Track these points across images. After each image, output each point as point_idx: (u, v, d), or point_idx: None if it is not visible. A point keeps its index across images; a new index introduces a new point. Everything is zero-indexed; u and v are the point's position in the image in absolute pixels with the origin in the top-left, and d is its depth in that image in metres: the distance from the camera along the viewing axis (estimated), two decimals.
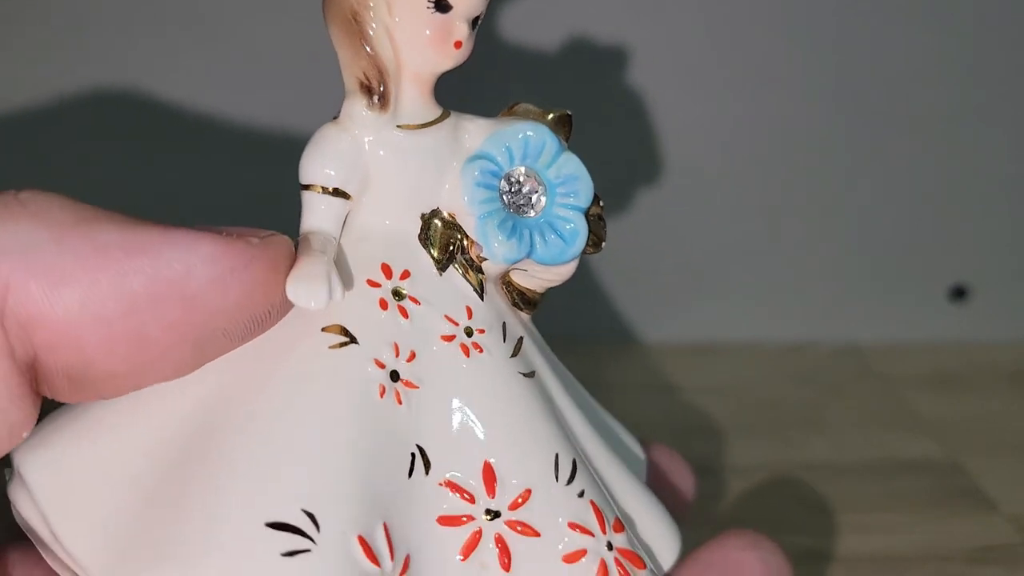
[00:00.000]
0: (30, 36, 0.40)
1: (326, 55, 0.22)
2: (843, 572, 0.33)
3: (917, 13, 0.42)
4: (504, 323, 0.23)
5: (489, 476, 0.21)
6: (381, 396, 0.21)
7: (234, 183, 0.41)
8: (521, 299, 0.24)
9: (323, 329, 0.21)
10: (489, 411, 0.22)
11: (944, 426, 0.41)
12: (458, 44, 0.21)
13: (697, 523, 0.34)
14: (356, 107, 0.21)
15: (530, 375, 0.23)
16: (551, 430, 0.22)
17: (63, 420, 0.21)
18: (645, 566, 0.22)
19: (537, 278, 0.24)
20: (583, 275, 0.43)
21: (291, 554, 0.19)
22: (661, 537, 0.24)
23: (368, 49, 0.21)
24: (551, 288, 0.24)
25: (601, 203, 0.24)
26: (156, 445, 0.20)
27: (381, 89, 0.21)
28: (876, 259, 0.46)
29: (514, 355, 0.22)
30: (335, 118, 0.22)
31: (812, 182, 0.45)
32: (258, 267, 0.20)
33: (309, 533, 0.19)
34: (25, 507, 0.21)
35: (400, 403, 0.21)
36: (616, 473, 0.24)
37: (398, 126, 0.22)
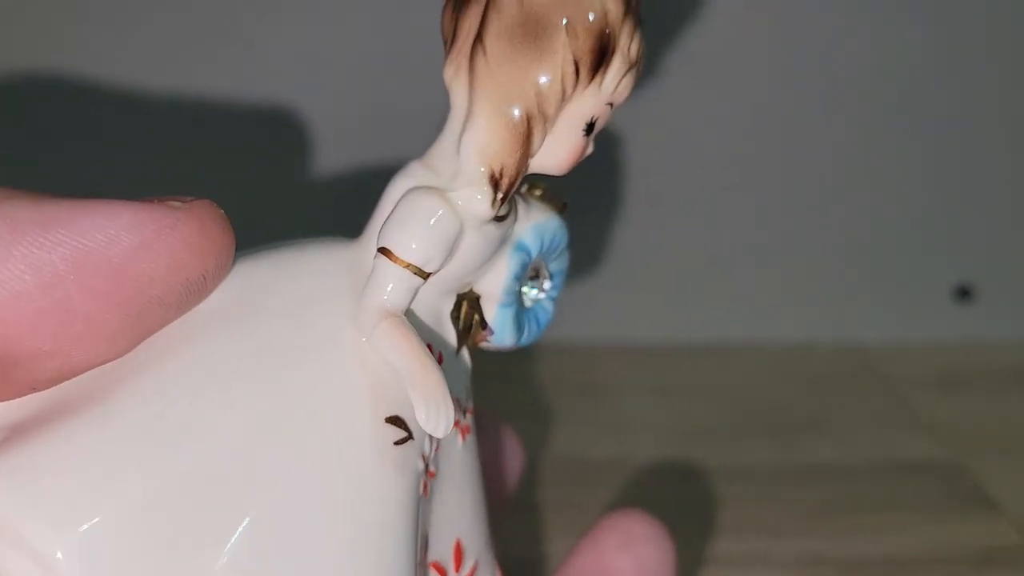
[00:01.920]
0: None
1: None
2: (844, 575, 0.32)
3: (920, 11, 0.42)
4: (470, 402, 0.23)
5: (458, 553, 0.22)
6: (424, 494, 0.20)
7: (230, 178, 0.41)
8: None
9: (386, 420, 0.20)
10: (468, 493, 0.22)
11: (948, 427, 0.41)
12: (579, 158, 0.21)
13: (698, 526, 0.35)
14: (474, 194, 0.20)
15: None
16: (482, 502, 0.23)
17: (63, 465, 0.18)
18: None
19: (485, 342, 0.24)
20: (583, 275, 0.44)
21: None
22: None
23: (524, 154, 0.20)
24: None
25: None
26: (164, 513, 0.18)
27: (510, 189, 0.20)
28: (880, 259, 0.46)
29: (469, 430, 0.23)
30: (428, 190, 0.20)
31: (814, 181, 0.45)
32: (185, 229, 0.19)
33: None
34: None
35: (426, 495, 0.21)
36: None
37: (493, 218, 0.21)
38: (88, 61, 0.41)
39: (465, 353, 0.22)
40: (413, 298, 0.20)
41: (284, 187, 0.43)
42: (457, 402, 0.21)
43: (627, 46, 0.20)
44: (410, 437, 0.20)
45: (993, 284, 0.46)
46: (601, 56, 0.20)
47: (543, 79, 0.20)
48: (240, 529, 0.18)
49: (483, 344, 0.23)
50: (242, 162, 0.41)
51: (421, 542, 0.21)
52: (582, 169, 0.41)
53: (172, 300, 0.19)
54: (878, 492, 0.37)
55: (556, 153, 0.21)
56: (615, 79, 0.20)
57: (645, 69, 0.42)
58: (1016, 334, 0.47)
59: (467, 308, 0.22)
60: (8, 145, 0.42)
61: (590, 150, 0.21)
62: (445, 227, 0.20)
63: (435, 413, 0.19)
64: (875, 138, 0.44)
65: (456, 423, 0.21)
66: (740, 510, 0.35)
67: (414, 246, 0.20)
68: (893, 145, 0.44)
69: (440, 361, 0.21)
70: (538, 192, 0.23)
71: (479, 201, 0.20)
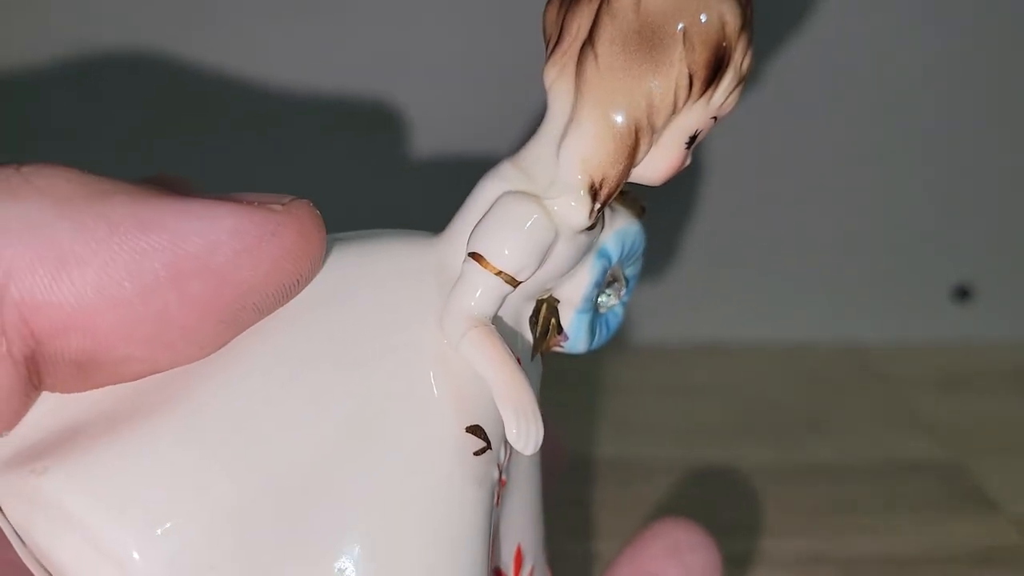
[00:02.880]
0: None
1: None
2: (845, 575, 0.32)
3: (919, 12, 0.42)
4: None
5: (519, 559, 0.22)
6: (497, 504, 0.20)
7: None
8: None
9: (466, 429, 0.19)
10: (529, 498, 0.22)
11: (947, 427, 0.41)
12: (679, 169, 0.21)
13: (698, 525, 0.35)
14: (572, 204, 0.20)
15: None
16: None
17: (90, 427, 0.18)
18: None
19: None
20: None
21: None
22: None
23: (628, 165, 0.20)
24: None
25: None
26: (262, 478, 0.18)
27: (603, 200, 0.20)
28: (879, 259, 0.46)
29: None
30: (525, 196, 0.20)
31: (814, 181, 0.45)
32: (286, 235, 0.18)
33: None
34: (64, 545, 0.17)
35: (498, 505, 0.20)
36: None
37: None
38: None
39: (538, 358, 0.22)
40: (501, 306, 0.20)
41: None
42: None
43: (740, 60, 0.20)
44: (489, 447, 0.19)
45: (992, 284, 0.46)
46: (716, 69, 0.19)
47: (656, 90, 0.19)
48: (328, 542, 0.18)
49: (555, 348, 0.22)
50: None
51: (488, 547, 0.20)
52: None
53: (267, 306, 0.19)
54: (878, 492, 0.37)
55: (656, 165, 0.20)
56: (725, 93, 0.20)
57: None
58: (1015, 334, 0.47)
59: (545, 313, 0.21)
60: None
61: (688, 162, 0.21)
62: (540, 236, 0.19)
63: (526, 428, 0.19)
64: (875, 138, 0.44)
65: None
66: (740, 510, 0.35)
67: (507, 253, 0.19)
68: (893, 145, 0.44)
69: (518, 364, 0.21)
70: (628, 201, 0.23)
71: (575, 210, 0.20)
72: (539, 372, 0.22)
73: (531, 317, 0.21)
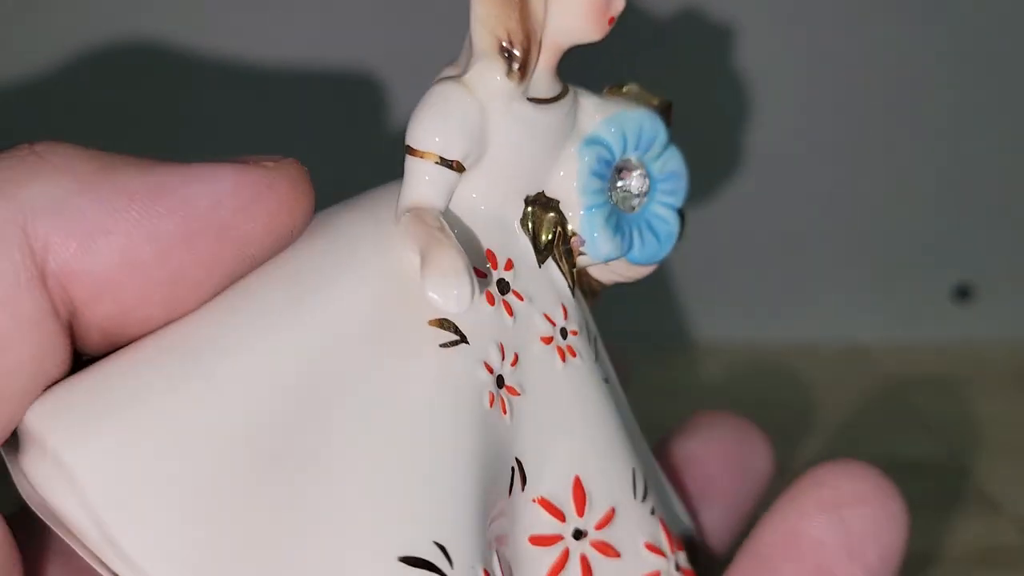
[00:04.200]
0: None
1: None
2: None
3: (919, 11, 0.42)
4: (587, 322, 0.21)
5: (579, 493, 0.20)
6: (491, 405, 0.19)
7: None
8: (590, 292, 0.22)
9: (429, 323, 0.19)
10: (581, 422, 0.20)
11: (948, 427, 0.41)
12: (611, 20, 0.20)
13: None
14: (489, 71, 0.19)
15: (607, 381, 0.21)
16: (627, 443, 0.21)
17: (101, 386, 0.18)
18: None
19: (615, 274, 0.22)
20: None
21: None
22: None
23: (523, 13, 0.19)
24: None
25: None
26: (247, 428, 0.17)
27: (524, 56, 0.19)
28: (879, 258, 0.46)
29: (597, 359, 0.21)
30: (445, 79, 0.19)
31: (813, 181, 0.45)
32: (280, 188, 0.19)
33: (444, 570, 0.17)
34: (63, 499, 0.17)
35: (504, 412, 0.19)
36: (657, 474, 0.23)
37: (529, 98, 0.20)
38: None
39: (552, 267, 0.21)
40: (448, 192, 0.19)
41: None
42: (547, 318, 0.20)
43: None
44: (461, 341, 0.19)
45: (993, 284, 0.46)
46: None
47: None
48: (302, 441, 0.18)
49: (587, 260, 0.21)
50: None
51: (498, 463, 0.19)
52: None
53: (262, 255, 0.19)
54: None
55: (570, 10, 0.19)
56: None
57: (644, 69, 0.42)
58: (1016, 334, 0.47)
59: (539, 213, 0.20)
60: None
61: (620, 5, 0.20)
62: (457, 107, 0.19)
63: (443, 283, 0.18)
64: (875, 138, 0.44)
65: (549, 340, 0.20)
66: None
67: (428, 134, 0.19)
68: (893, 145, 0.44)
69: (509, 267, 0.20)
70: (625, 89, 0.22)
71: (488, 72, 0.19)
72: (563, 287, 0.21)
73: (522, 220, 0.20)
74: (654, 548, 0.21)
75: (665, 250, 0.22)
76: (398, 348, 0.18)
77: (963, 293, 0.46)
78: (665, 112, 0.22)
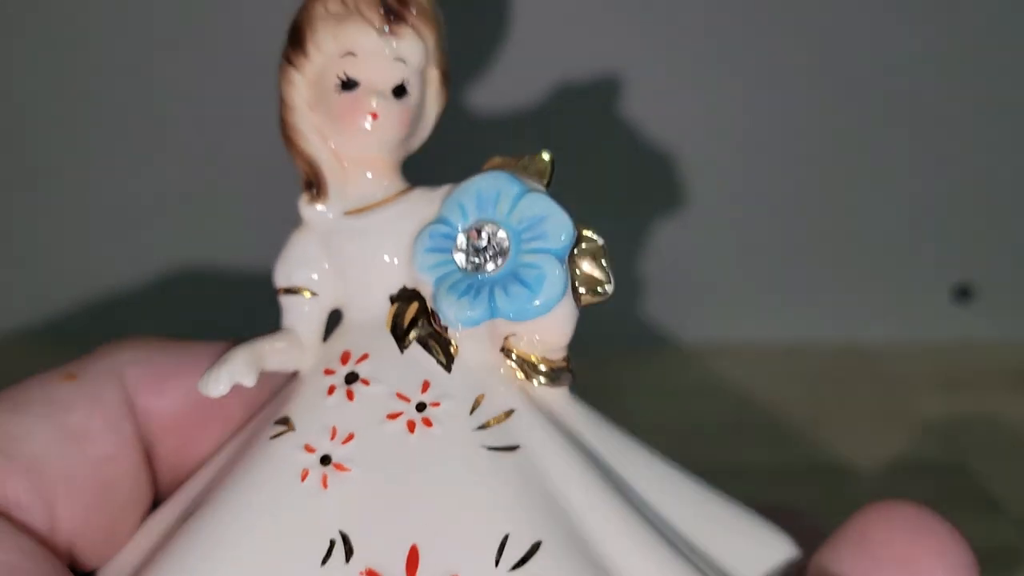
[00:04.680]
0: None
1: None
2: None
3: (919, 11, 0.42)
4: (481, 395, 0.21)
5: (412, 560, 0.20)
6: (302, 480, 0.21)
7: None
8: (531, 368, 0.22)
9: (275, 421, 0.22)
10: (426, 489, 0.20)
11: (948, 427, 0.41)
12: (374, 115, 0.22)
13: None
14: (303, 204, 0.22)
15: (506, 449, 0.21)
16: (511, 507, 0.20)
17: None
18: None
19: (531, 341, 0.22)
20: None
21: None
22: (751, 563, 0.23)
23: (296, 144, 0.22)
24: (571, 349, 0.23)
25: (599, 240, 0.22)
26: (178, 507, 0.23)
27: (315, 182, 0.22)
28: (879, 258, 0.46)
29: (484, 427, 0.21)
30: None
31: (814, 181, 0.45)
32: None
33: None
34: None
35: (325, 487, 0.21)
36: (664, 540, 0.22)
37: (345, 213, 0.22)
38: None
39: (416, 349, 0.22)
40: (300, 312, 0.23)
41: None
42: (399, 396, 0.21)
43: (323, 8, 0.22)
44: (290, 430, 0.21)
45: (993, 284, 0.46)
46: (295, 37, 0.22)
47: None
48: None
49: (451, 328, 0.21)
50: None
51: (306, 535, 0.20)
52: (581, 171, 0.40)
53: (276, 384, 0.25)
54: (878, 492, 0.36)
55: (336, 124, 0.22)
56: (329, 37, 0.22)
57: (644, 69, 0.42)
58: (1016, 334, 0.47)
59: (402, 306, 0.22)
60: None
61: (385, 111, 0.22)
62: (290, 246, 0.23)
63: (205, 374, 0.22)
64: (875, 138, 0.44)
65: (397, 415, 0.21)
66: None
67: (275, 272, 0.23)
68: (893, 145, 0.44)
69: (362, 359, 0.22)
70: (487, 164, 0.23)
71: (303, 203, 0.22)
72: (424, 364, 0.22)
73: (387, 316, 0.22)
74: None
75: (540, 295, 0.21)
76: (251, 440, 0.22)
77: (963, 293, 0.46)
78: (539, 167, 0.22)
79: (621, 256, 0.44)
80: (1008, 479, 0.37)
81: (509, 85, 0.41)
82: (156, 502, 0.24)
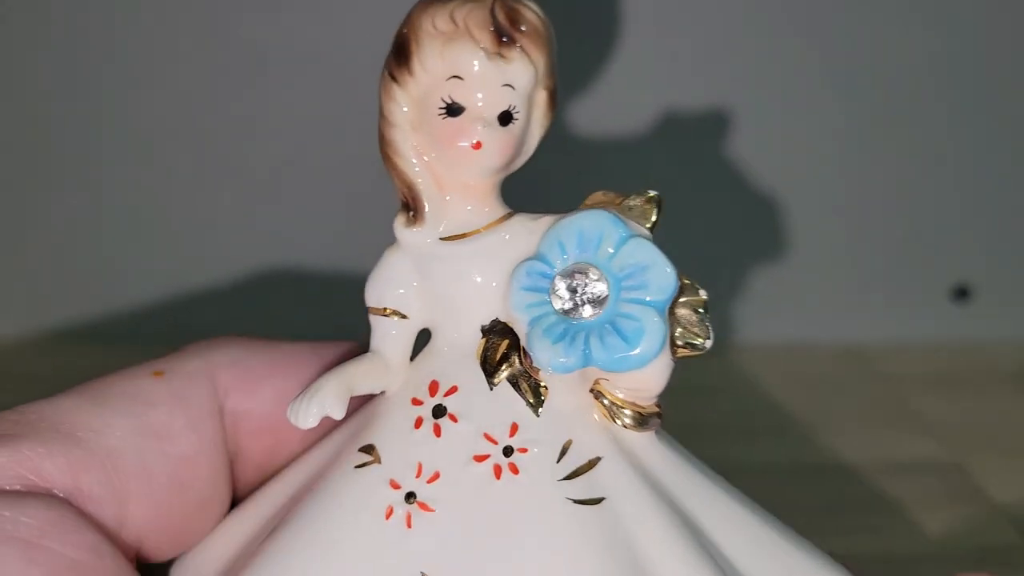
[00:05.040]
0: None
1: None
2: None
3: (919, 12, 0.42)
4: (568, 441, 0.21)
5: None
6: (387, 518, 0.20)
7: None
8: (620, 413, 0.22)
9: (360, 448, 0.21)
10: (508, 541, 0.20)
11: (946, 427, 0.41)
12: (477, 145, 0.21)
13: None
14: (398, 225, 0.22)
15: (591, 502, 0.21)
16: (592, 561, 0.20)
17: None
18: None
19: (626, 390, 0.21)
20: None
21: None
22: None
23: (396, 166, 0.21)
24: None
25: (702, 292, 0.22)
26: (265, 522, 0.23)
27: (413, 205, 0.21)
28: (878, 259, 0.46)
29: (570, 477, 0.21)
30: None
31: (813, 181, 0.45)
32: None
33: None
34: None
35: (409, 526, 0.20)
36: None
37: (441, 238, 0.21)
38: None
39: (505, 386, 0.21)
40: (388, 334, 0.22)
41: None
42: (487, 437, 0.21)
43: (431, 25, 0.21)
44: (375, 462, 0.21)
45: (991, 284, 0.46)
46: (400, 52, 0.21)
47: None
48: None
49: (544, 371, 0.21)
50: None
51: (389, 572, 0.20)
52: (582, 172, 0.41)
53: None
54: (877, 491, 0.37)
55: (438, 148, 0.21)
56: (436, 57, 0.21)
57: (643, 71, 0.42)
58: (1014, 334, 0.47)
59: (495, 340, 0.22)
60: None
61: (488, 139, 0.21)
62: (384, 266, 0.22)
63: (295, 403, 0.21)
64: (873, 139, 0.44)
65: (484, 458, 0.21)
66: None
67: (367, 291, 0.22)
68: (892, 145, 0.44)
69: (450, 392, 0.21)
70: (589, 200, 0.22)
71: (399, 226, 0.22)
72: (516, 405, 0.21)
73: (476, 350, 0.22)
74: None
75: (638, 349, 0.20)
76: (333, 464, 0.22)
77: (962, 293, 0.46)
78: (646, 206, 0.22)
79: None
80: (1005, 477, 0.37)
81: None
82: (237, 500, 0.25)
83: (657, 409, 0.22)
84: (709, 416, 0.41)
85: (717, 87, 0.43)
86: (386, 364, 0.22)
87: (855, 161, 0.44)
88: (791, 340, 0.46)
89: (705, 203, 0.44)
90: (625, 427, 0.22)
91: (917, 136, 0.44)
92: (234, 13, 0.41)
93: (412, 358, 0.23)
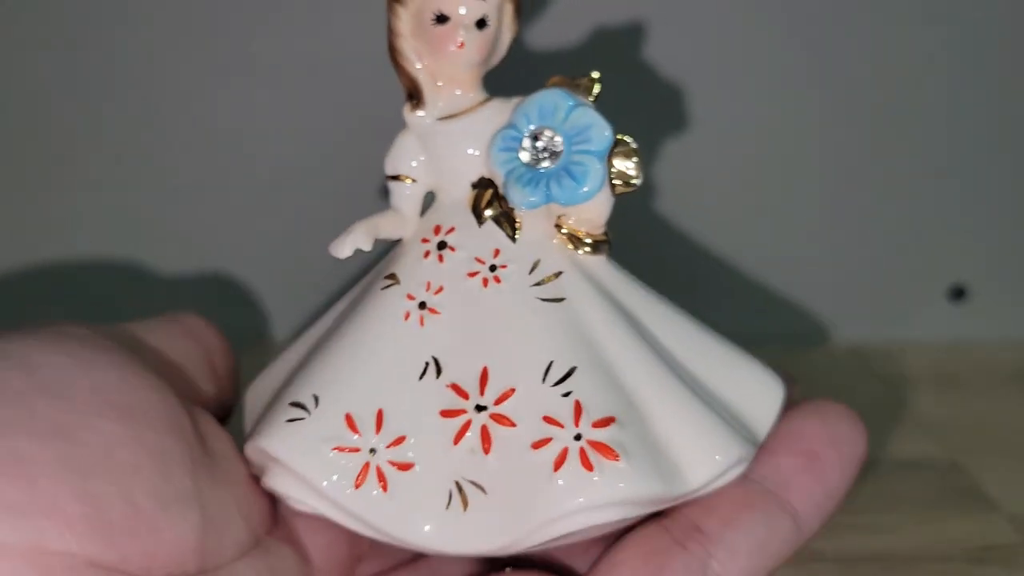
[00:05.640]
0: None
1: None
2: (842, 572, 0.33)
3: (917, 12, 0.43)
4: (538, 260, 0.28)
5: (483, 378, 0.27)
6: (405, 319, 0.27)
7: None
8: (577, 240, 0.28)
9: (384, 276, 0.28)
10: (494, 327, 0.27)
11: (944, 426, 0.41)
12: (461, 45, 0.27)
13: None
14: (406, 111, 0.28)
15: (556, 300, 0.27)
16: (555, 342, 0.27)
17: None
18: (618, 458, 0.25)
19: (578, 219, 0.28)
20: None
21: (291, 420, 0.27)
22: (755, 404, 0.29)
23: (400, 62, 0.28)
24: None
25: (632, 143, 0.28)
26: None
27: (416, 94, 0.28)
28: (875, 258, 0.46)
29: (539, 284, 0.27)
30: None
31: (811, 182, 0.45)
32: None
33: (308, 408, 0.27)
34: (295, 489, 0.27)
35: (422, 325, 0.27)
36: (678, 378, 0.28)
37: (438, 118, 0.28)
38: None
39: (490, 224, 0.28)
40: (412, 198, 0.29)
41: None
42: (477, 259, 0.28)
43: None
44: (395, 283, 0.28)
45: (988, 284, 0.47)
46: None
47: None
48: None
49: (517, 208, 0.27)
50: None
51: (409, 358, 0.27)
52: None
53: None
54: (875, 490, 0.37)
55: (431, 49, 0.27)
56: None
57: (643, 71, 0.42)
58: (1011, 333, 0.47)
59: (480, 191, 0.28)
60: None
61: (470, 41, 0.27)
62: (396, 143, 0.29)
63: (335, 241, 0.28)
64: (871, 139, 0.44)
65: (475, 274, 0.27)
66: None
67: (386, 162, 0.29)
68: (889, 146, 0.44)
69: (450, 231, 0.28)
70: (549, 82, 0.28)
71: (406, 111, 0.28)
72: (496, 235, 0.28)
73: (467, 198, 0.28)
74: (552, 420, 0.26)
75: (585, 186, 0.27)
76: (368, 290, 0.29)
77: (959, 293, 0.47)
78: (589, 85, 0.28)
79: (621, 257, 0.44)
80: (1004, 477, 0.37)
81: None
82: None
83: (606, 237, 0.28)
84: None
85: (716, 86, 0.43)
86: (402, 217, 0.29)
87: (853, 161, 0.45)
88: (788, 340, 0.46)
89: (705, 203, 0.45)
90: (583, 252, 0.28)
91: (915, 136, 0.44)
92: (234, 14, 0.41)
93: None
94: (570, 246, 0.28)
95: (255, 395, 0.30)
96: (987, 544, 0.34)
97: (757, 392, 0.29)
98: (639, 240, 0.45)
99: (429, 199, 0.29)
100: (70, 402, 0.23)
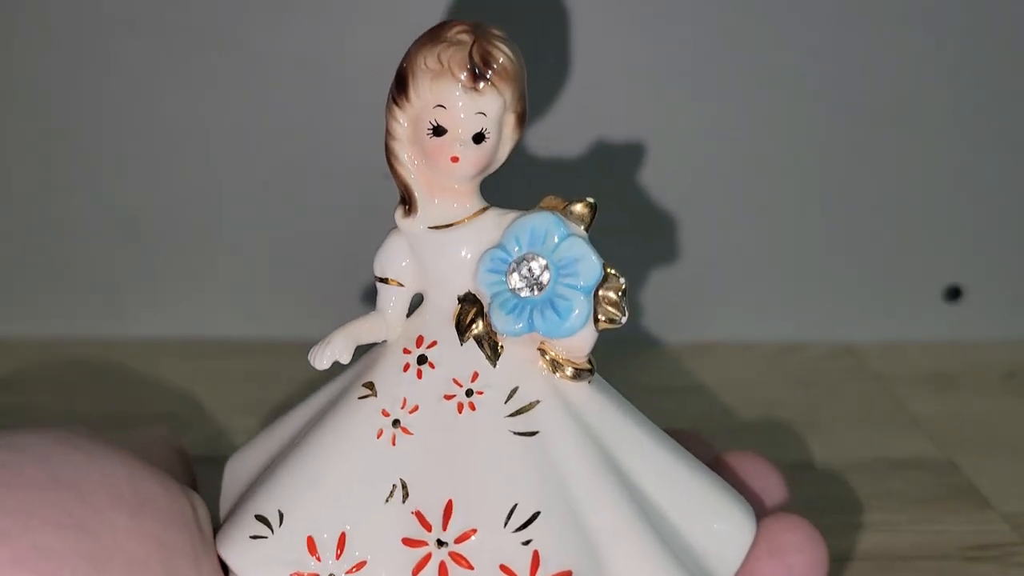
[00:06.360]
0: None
1: None
2: (840, 571, 0.33)
3: (916, 15, 0.43)
4: (516, 387, 0.27)
5: (447, 511, 0.26)
6: (378, 437, 0.27)
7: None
8: (559, 367, 0.28)
9: (363, 383, 0.28)
10: (464, 458, 0.27)
11: (939, 425, 0.41)
12: (455, 159, 0.26)
13: None
14: (398, 214, 0.28)
15: (528, 434, 0.27)
16: (523, 481, 0.26)
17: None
18: None
19: (563, 352, 0.27)
20: None
21: (254, 537, 0.27)
22: (722, 546, 0.28)
23: (398, 171, 0.27)
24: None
25: (620, 279, 0.27)
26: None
27: (408, 200, 0.27)
28: (872, 260, 0.46)
29: (514, 415, 0.27)
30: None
31: (809, 184, 0.45)
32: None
33: (272, 525, 0.27)
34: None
35: (394, 444, 0.27)
36: (645, 522, 0.27)
37: (428, 227, 0.27)
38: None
39: (472, 343, 0.28)
40: (390, 298, 0.28)
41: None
42: (454, 381, 0.27)
43: (423, 63, 0.26)
44: (373, 395, 0.28)
45: (983, 285, 0.47)
46: (400, 82, 0.26)
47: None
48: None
49: (500, 334, 0.27)
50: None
51: (377, 477, 0.27)
52: (582, 172, 0.41)
53: None
54: (871, 489, 0.37)
55: (427, 159, 0.27)
56: (426, 89, 0.26)
57: (643, 72, 0.42)
58: (1006, 333, 0.47)
59: (466, 307, 0.28)
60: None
61: (464, 155, 0.26)
62: (386, 245, 0.28)
63: (313, 350, 0.27)
64: (868, 141, 0.44)
65: (451, 397, 0.27)
66: None
67: (374, 263, 0.28)
68: (886, 148, 0.45)
69: (432, 345, 0.28)
70: (542, 202, 0.27)
71: (398, 216, 0.28)
72: (478, 356, 0.27)
73: (453, 313, 0.28)
74: (508, 571, 0.26)
75: (567, 323, 0.26)
76: (343, 394, 0.29)
77: (954, 294, 0.47)
78: (584, 210, 0.27)
79: (621, 257, 0.44)
80: (998, 475, 0.37)
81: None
82: None
83: (589, 366, 0.28)
84: (704, 415, 0.41)
85: (715, 85, 0.43)
86: (386, 321, 0.28)
87: (849, 163, 0.45)
88: (787, 340, 0.47)
89: (704, 203, 0.45)
90: (563, 378, 0.28)
91: (911, 138, 0.44)
92: (236, 15, 0.41)
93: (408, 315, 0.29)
94: (552, 371, 0.27)
95: (232, 476, 0.30)
96: (982, 542, 0.34)
97: (726, 534, 0.28)
98: (640, 239, 0.45)
99: (418, 297, 0.29)
100: (84, 495, 0.25)
